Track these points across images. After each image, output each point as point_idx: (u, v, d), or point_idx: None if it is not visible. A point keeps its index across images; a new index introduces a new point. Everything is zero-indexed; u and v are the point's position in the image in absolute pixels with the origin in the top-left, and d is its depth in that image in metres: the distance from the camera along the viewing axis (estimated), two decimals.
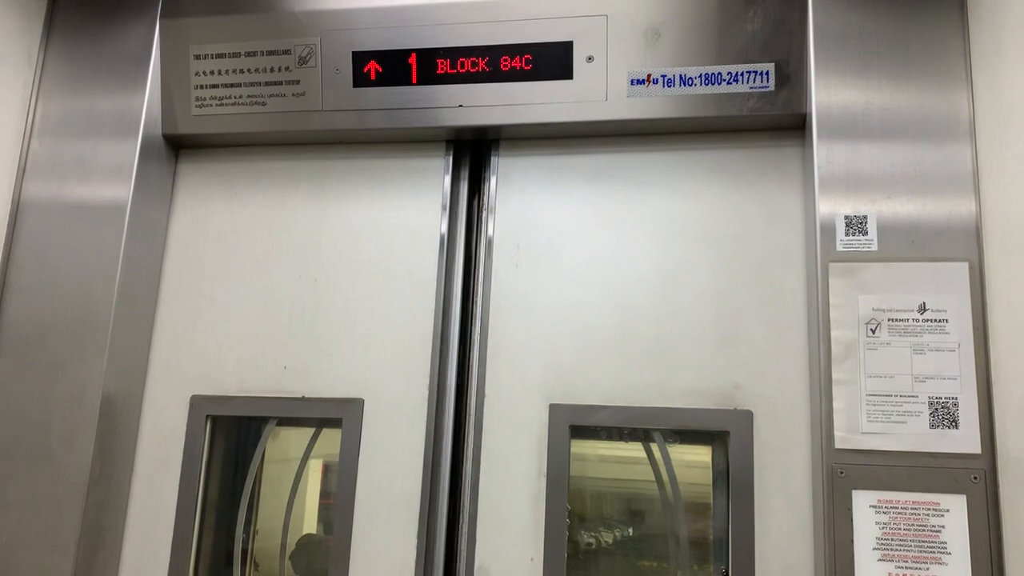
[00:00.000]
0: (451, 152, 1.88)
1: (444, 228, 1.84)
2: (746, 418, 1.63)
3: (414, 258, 1.84)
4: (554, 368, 1.73)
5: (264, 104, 1.86)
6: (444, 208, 1.85)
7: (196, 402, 1.85)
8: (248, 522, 1.84)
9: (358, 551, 1.71)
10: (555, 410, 1.71)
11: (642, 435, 1.70)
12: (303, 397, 1.81)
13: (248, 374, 1.85)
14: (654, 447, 1.69)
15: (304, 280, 1.87)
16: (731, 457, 1.62)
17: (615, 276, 1.75)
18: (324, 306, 1.85)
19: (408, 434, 1.75)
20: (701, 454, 1.69)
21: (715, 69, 1.68)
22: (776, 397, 1.63)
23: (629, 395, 1.69)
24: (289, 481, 1.83)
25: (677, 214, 1.76)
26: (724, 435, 1.65)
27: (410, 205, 1.87)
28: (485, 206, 1.85)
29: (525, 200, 1.83)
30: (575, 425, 1.70)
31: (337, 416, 1.78)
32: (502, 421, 1.73)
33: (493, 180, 1.85)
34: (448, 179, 1.87)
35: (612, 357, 1.72)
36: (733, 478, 1.61)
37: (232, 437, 1.89)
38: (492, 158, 1.87)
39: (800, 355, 1.64)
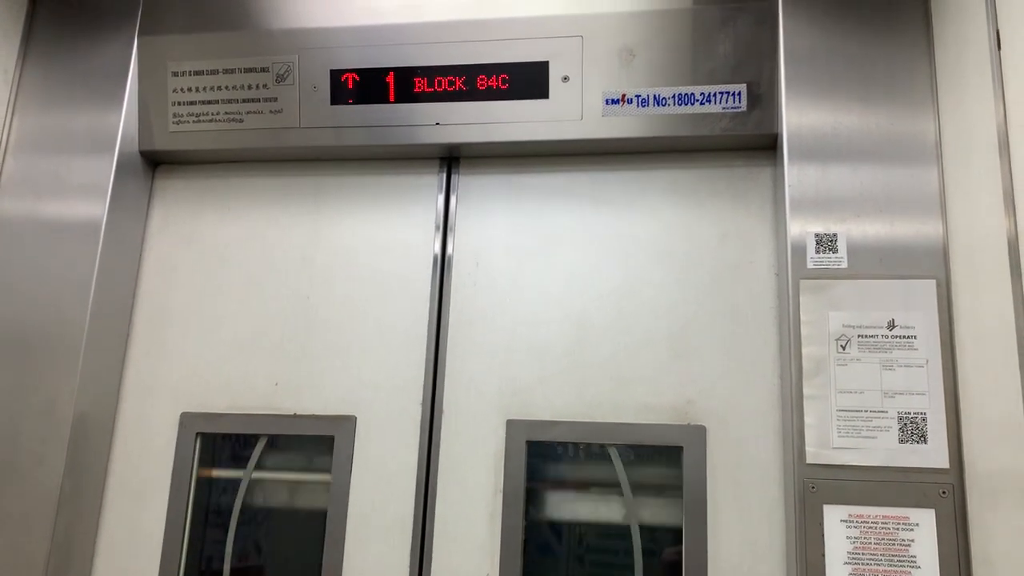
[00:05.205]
0: (445, 169, 1.89)
1: (438, 246, 1.85)
2: (699, 433, 1.65)
3: (408, 276, 1.84)
4: (512, 384, 1.74)
5: (241, 121, 1.87)
6: (438, 227, 1.86)
7: (186, 419, 1.83)
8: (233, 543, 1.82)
9: (350, 571, 1.70)
10: (512, 426, 1.71)
11: (598, 450, 1.71)
12: (295, 414, 1.81)
13: (239, 391, 1.84)
14: (615, 463, 1.70)
15: (296, 297, 1.87)
16: (685, 472, 1.63)
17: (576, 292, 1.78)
18: (317, 323, 1.85)
19: (402, 452, 1.74)
20: (664, 472, 1.70)
21: (688, 89, 1.71)
22: (730, 412, 1.65)
23: (585, 411, 1.71)
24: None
25: (637, 232, 1.78)
26: (678, 450, 1.66)
27: (404, 223, 1.87)
28: (450, 225, 1.86)
29: (484, 218, 1.85)
30: (532, 440, 1.70)
31: (329, 434, 1.77)
32: (460, 437, 1.73)
33: (454, 198, 1.87)
34: (442, 197, 1.88)
35: (569, 373, 1.73)
36: (687, 493, 1.62)
37: (218, 455, 1.88)
38: (453, 176, 1.88)
39: (755, 371, 1.66)
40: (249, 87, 1.86)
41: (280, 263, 1.90)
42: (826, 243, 1.57)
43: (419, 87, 1.79)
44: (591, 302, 1.76)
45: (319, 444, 1.81)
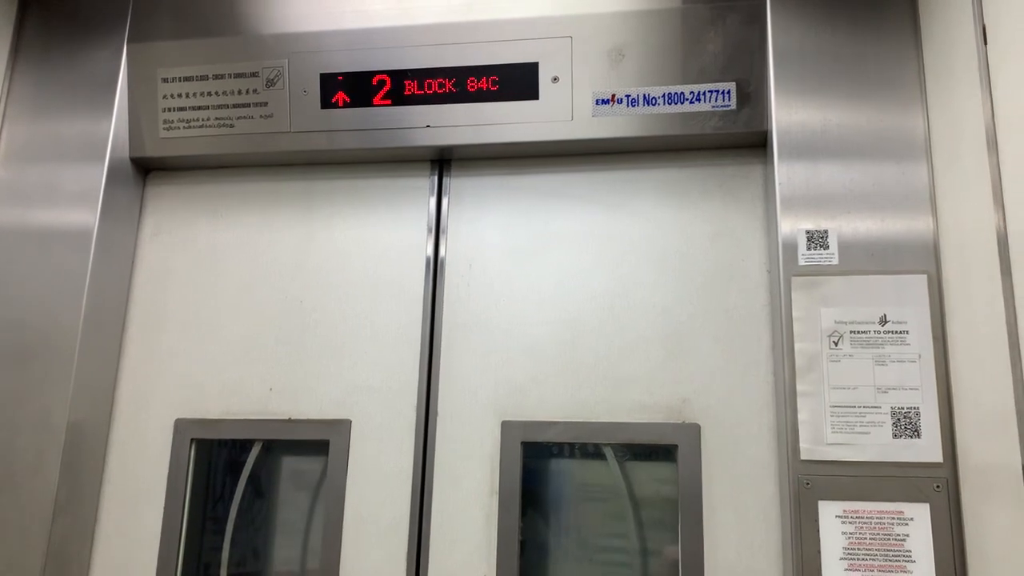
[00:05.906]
0: (436, 172, 1.89)
1: (430, 249, 1.85)
2: (693, 431, 1.65)
3: (401, 279, 1.84)
4: (506, 385, 1.75)
5: (232, 126, 1.87)
6: (430, 230, 1.86)
7: (181, 426, 1.83)
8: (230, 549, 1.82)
9: (347, 574, 1.70)
10: (507, 427, 1.72)
11: (593, 450, 1.72)
12: (289, 419, 1.80)
13: (234, 397, 1.84)
14: (611, 463, 1.70)
15: (290, 301, 1.87)
16: (680, 470, 1.64)
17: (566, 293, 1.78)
18: (311, 327, 1.85)
19: (397, 454, 1.74)
20: (660, 470, 1.71)
21: (678, 89, 1.71)
22: (724, 410, 1.66)
23: (580, 411, 1.71)
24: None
25: (629, 232, 1.78)
26: (673, 448, 1.66)
27: (397, 226, 1.87)
28: (442, 227, 1.86)
29: (476, 220, 1.85)
30: (527, 441, 1.70)
31: (324, 438, 1.77)
32: (455, 439, 1.73)
33: (446, 200, 1.87)
34: (433, 200, 1.88)
35: (563, 373, 1.73)
36: (681, 492, 1.62)
37: (213, 461, 1.87)
38: (444, 178, 1.89)
39: (748, 369, 1.67)
40: (239, 92, 1.86)
41: (273, 268, 1.90)
42: (817, 240, 1.57)
43: (409, 90, 1.80)
44: (584, 302, 1.76)
45: (314, 448, 1.81)
